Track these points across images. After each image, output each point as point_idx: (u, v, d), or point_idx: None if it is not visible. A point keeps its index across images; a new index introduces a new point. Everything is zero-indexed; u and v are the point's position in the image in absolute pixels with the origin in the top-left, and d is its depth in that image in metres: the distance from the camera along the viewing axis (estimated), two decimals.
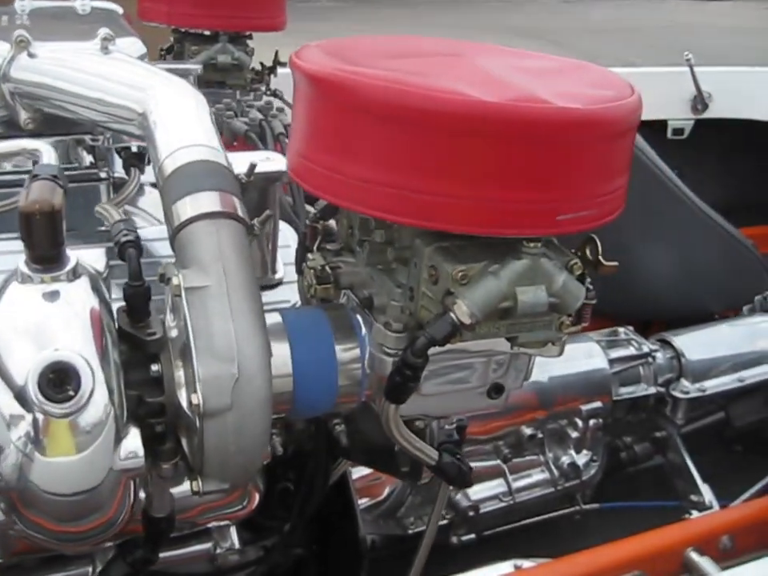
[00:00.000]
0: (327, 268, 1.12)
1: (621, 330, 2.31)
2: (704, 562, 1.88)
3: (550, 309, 0.99)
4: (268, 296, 1.43)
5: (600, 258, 1.08)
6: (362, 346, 1.09)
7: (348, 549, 1.73)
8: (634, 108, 0.98)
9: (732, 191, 3.49)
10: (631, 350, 2.25)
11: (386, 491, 1.92)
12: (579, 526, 2.19)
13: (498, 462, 2.08)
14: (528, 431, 2.07)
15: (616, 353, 2.23)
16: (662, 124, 3.23)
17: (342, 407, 1.15)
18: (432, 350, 1.02)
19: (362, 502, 1.88)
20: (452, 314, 0.94)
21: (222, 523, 1.48)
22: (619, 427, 2.38)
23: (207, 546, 1.48)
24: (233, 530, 1.49)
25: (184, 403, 0.98)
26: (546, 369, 2.11)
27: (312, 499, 1.59)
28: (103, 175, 1.56)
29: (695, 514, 2.07)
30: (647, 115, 2.87)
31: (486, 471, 2.07)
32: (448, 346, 1.01)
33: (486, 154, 0.89)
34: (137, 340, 1.01)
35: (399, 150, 0.91)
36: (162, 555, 1.45)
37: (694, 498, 2.15)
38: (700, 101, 3.22)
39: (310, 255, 1.16)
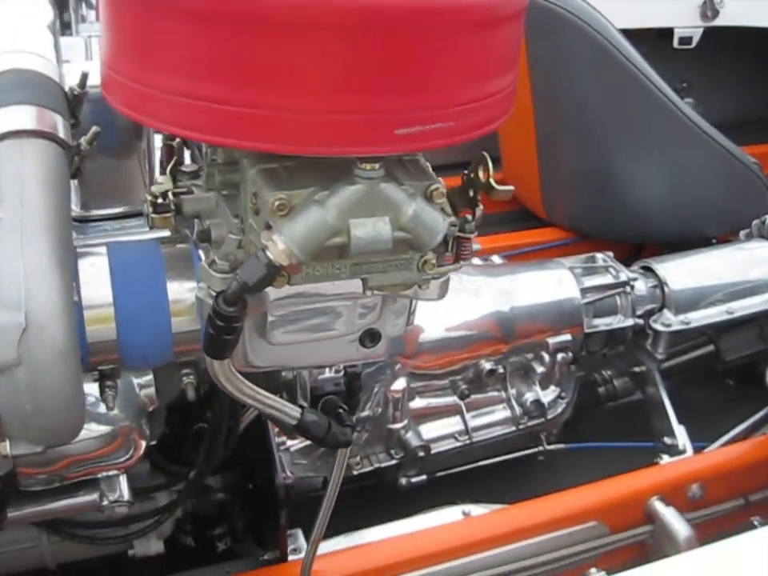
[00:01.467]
0: (170, 194, 0.95)
1: (599, 255, 2.12)
2: (668, 513, 1.73)
3: (403, 245, 0.81)
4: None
5: (491, 180, 0.89)
6: None
7: (269, 495, 1.59)
8: None
9: (744, 105, 3.27)
10: (608, 278, 2.05)
11: None
12: (542, 469, 2.03)
13: (455, 398, 1.91)
14: (488, 365, 1.90)
15: (591, 281, 2.04)
16: (667, 32, 2.97)
17: (186, 356, 0.98)
18: (276, 293, 0.85)
19: (295, 443, 1.73)
20: (267, 253, 0.76)
21: (111, 473, 1.34)
22: (596, 361, 2.21)
23: (93, 497, 1.35)
24: (122, 479, 1.35)
25: None
26: (509, 298, 1.93)
27: (218, 444, 1.44)
28: None
29: (665, 458, 1.90)
30: (650, 23, 2.63)
31: (440, 409, 1.91)
32: (295, 289, 0.84)
33: (298, 53, 0.70)
34: None
35: (199, 52, 0.73)
36: (47, 507, 1.34)
37: (667, 440, 1.97)
38: (710, 6, 2.96)
39: (158, 178, 0.98)
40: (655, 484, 1.80)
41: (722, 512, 1.82)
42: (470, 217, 0.89)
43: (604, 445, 2.04)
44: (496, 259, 2.11)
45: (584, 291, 2.00)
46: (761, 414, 2.01)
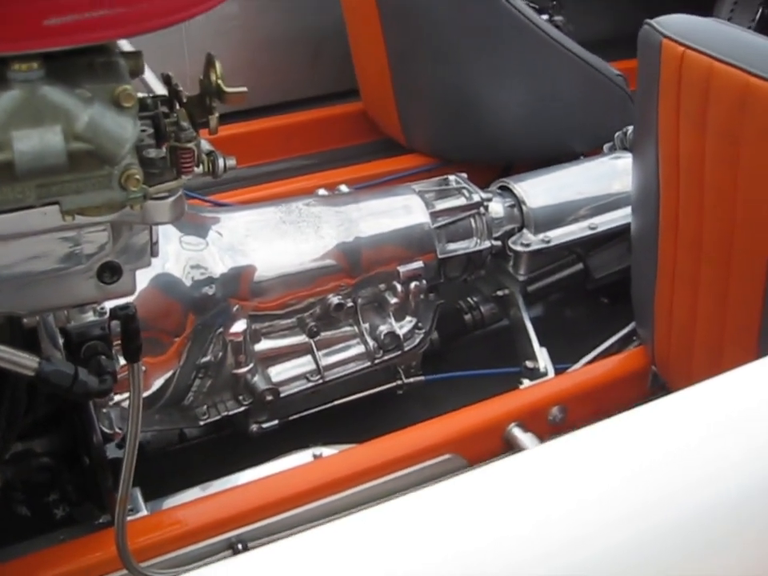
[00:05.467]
0: None
1: (452, 178, 2.02)
2: (526, 439, 1.66)
3: (92, 159, 0.70)
4: None
5: (221, 82, 0.78)
6: None
7: (92, 457, 1.48)
8: None
9: (615, 22, 3.18)
10: (461, 201, 1.96)
11: (160, 380, 1.65)
12: (404, 404, 1.95)
13: (304, 337, 1.81)
14: (335, 300, 1.79)
15: (442, 204, 1.95)
16: None
17: None
18: None
19: (126, 396, 1.61)
20: None
21: None
22: (461, 288, 2.13)
23: None
24: None
25: None
26: (353, 228, 1.82)
27: (18, 405, 1.31)
28: None
29: (526, 383, 1.83)
30: None
31: (288, 349, 1.81)
32: None
33: None
34: None
35: None
36: None
37: (529, 364, 1.90)
38: None
39: None
40: (513, 410, 1.73)
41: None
42: (185, 124, 0.78)
43: (465, 374, 1.96)
44: (343, 188, 2.00)
45: (435, 215, 1.91)
46: (624, 331, 1.94)
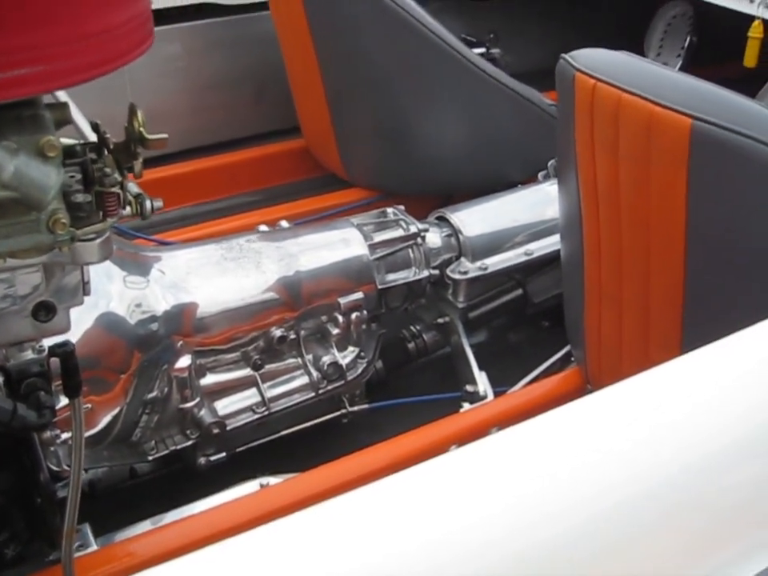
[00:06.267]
0: None
1: (389, 210, 2.09)
2: None
3: (20, 206, 0.75)
4: None
5: (143, 130, 0.84)
6: None
7: (40, 494, 1.51)
8: None
9: (550, 53, 3.27)
10: (399, 232, 2.02)
11: (107, 417, 1.69)
12: (349, 432, 2.00)
13: (249, 370, 1.85)
14: (278, 333, 1.84)
15: (380, 236, 2.00)
16: None
17: None
18: None
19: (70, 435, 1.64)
20: None
21: None
22: (404, 317, 2.19)
23: None
24: None
25: None
26: (293, 262, 1.88)
27: None
28: None
29: (466, 406, 1.89)
30: None
31: (233, 382, 1.85)
32: None
33: None
34: None
35: None
36: None
37: (469, 388, 1.96)
38: None
39: None
40: (454, 433, 1.78)
41: None
42: (108, 170, 0.83)
43: (408, 400, 2.02)
44: (284, 224, 2.05)
45: (373, 247, 1.97)
46: (559, 354, 2.01)
